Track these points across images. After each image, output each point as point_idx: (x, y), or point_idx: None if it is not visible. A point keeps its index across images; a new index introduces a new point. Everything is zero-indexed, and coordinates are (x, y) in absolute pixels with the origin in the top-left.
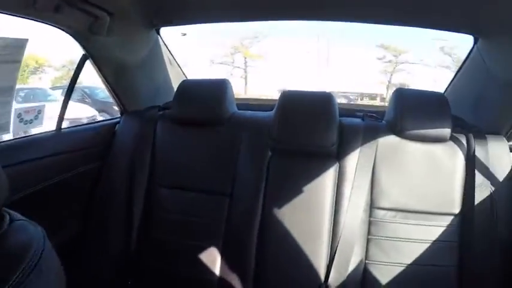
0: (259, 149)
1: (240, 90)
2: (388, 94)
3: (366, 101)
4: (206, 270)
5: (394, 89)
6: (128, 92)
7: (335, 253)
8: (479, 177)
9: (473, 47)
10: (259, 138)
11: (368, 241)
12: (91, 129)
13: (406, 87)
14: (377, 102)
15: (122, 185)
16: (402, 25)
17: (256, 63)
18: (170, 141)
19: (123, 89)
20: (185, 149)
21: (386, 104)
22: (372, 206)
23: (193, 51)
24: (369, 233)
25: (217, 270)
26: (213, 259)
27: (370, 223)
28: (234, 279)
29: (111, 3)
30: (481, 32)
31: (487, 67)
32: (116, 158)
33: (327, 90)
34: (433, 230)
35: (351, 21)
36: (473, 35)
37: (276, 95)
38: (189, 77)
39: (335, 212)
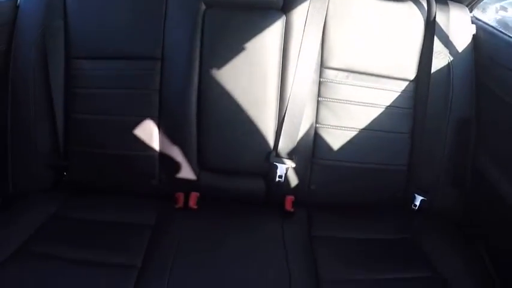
0: (190, 2)
1: None
2: None
3: None
4: (144, 147)
5: None
6: None
7: (284, 117)
8: (438, 44)
9: None
10: None
11: (318, 103)
12: None
13: None
14: None
15: (36, 65)
16: None
17: None
18: (84, 4)
19: None
20: (102, 10)
21: None
22: (322, 65)
23: None
24: (319, 94)
25: (156, 145)
26: (149, 133)
27: (320, 84)
28: (176, 152)
29: None
30: None
31: None
32: (24, 35)
33: None
34: (386, 94)
35: None
36: None
37: None
38: None
39: (282, 72)
